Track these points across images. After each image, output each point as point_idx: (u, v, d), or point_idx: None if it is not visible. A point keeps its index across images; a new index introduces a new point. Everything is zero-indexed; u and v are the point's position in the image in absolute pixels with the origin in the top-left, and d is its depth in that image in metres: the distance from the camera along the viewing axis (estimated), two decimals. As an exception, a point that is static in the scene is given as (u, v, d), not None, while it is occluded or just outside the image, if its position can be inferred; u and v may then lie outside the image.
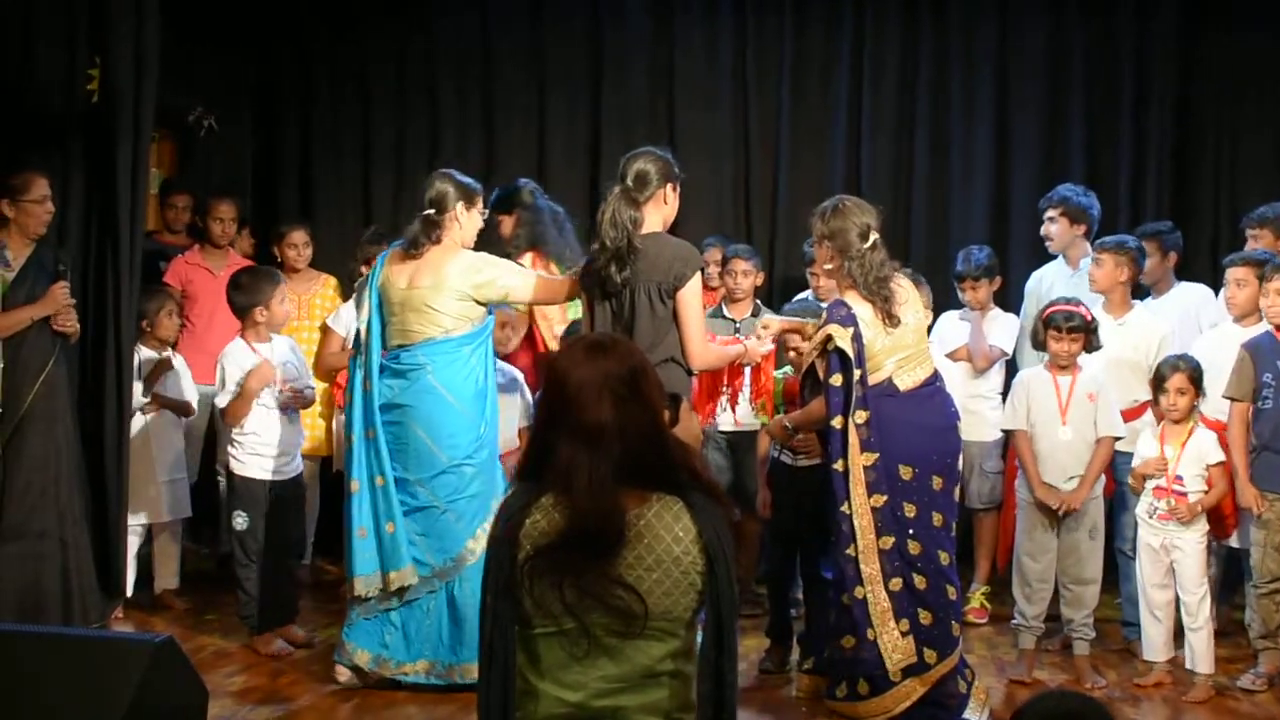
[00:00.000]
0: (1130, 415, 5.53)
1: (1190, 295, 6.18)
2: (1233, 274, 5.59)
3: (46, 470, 5.24)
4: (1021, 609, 5.30)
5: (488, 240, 5.51)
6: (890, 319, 4.65)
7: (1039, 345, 5.44)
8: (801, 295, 6.18)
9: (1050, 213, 6.31)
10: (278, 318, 5.64)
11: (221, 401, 5.53)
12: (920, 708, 4.62)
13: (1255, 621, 5.23)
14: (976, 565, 6.23)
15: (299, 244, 6.71)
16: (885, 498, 4.58)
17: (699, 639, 2.57)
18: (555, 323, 5.78)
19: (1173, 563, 5.16)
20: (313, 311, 6.66)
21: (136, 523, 5.97)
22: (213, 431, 6.54)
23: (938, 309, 6.06)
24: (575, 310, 5.70)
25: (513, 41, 7.65)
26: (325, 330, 6.49)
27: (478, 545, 4.89)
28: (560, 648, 2.51)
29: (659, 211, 4.82)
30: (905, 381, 4.68)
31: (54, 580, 5.24)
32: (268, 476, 5.51)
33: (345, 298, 6.53)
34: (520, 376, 5.72)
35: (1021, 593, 5.31)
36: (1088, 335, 5.29)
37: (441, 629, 4.97)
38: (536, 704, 2.52)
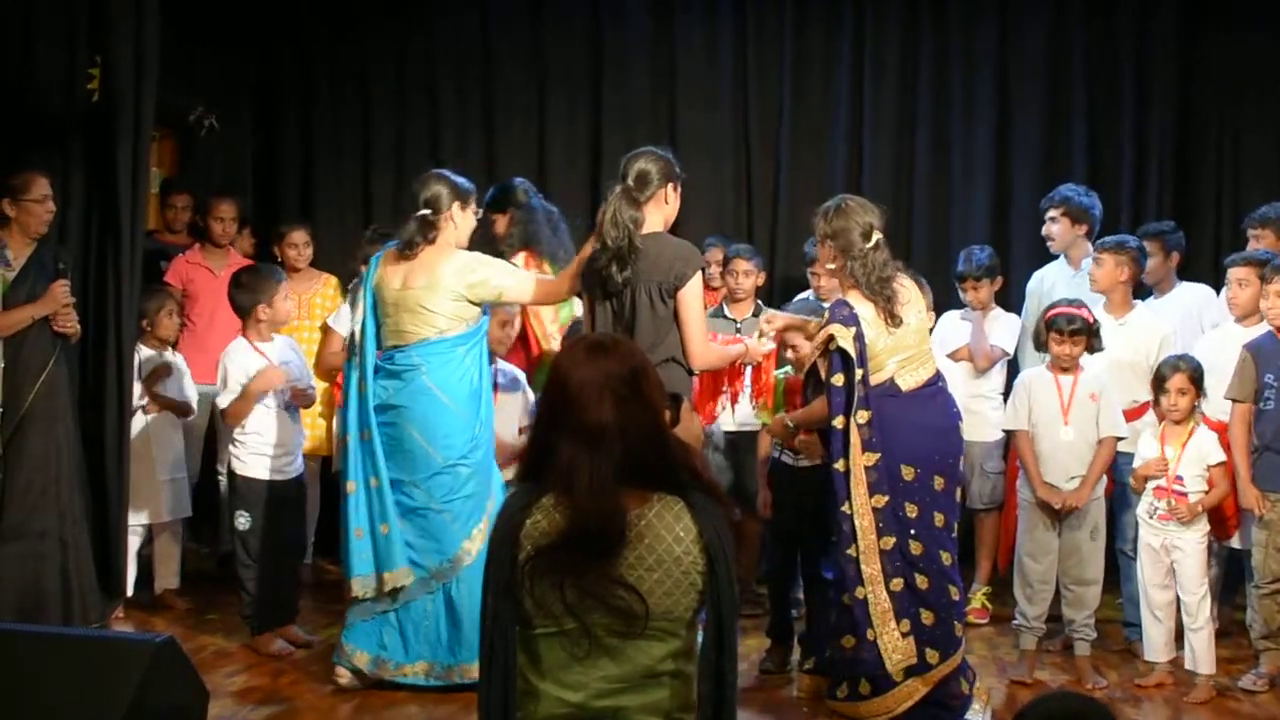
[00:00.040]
0: (1131, 415, 5.52)
1: (1192, 295, 6.18)
2: (1234, 274, 5.59)
3: (47, 470, 5.24)
4: (1023, 609, 5.30)
5: (481, 239, 5.51)
6: (893, 319, 4.64)
7: (1041, 347, 5.44)
8: (802, 295, 6.19)
9: (1052, 213, 6.31)
10: (280, 314, 5.64)
11: (223, 401, 5.52)
12: (922, 708, 4.61)
13: (1257, 622, 5.22)
14: (977, 566, 6.22)
15: (299, 244, 6.71)
16: (887, 498, 4.57)
17: (700, 639, 2.56)
18: (547, 321, 5.78)
19: (1173, 563, 5.16)
20: (313, 311, 6.66)
21: (137, 522, 5.97)
22: (213, 431, 6.53)
23: (939, 309, 6.04)
24: (566, 309, 5.71)
25: (513, 41, 7.65)
26: (326, 330, 6.49)
27: (474, 546, 4.90)
28: (561, 648, 2.50)
29: (660, 211, 4.81)
30: (908, 382, 4.68)
31: (54, 580, 5.24)
32: (270, 476, 5.51)
33: (346, 297, 6.52)
34: (522, 376, 5.72)
35: (1023, 593, 5.31)
36: (1090, 338, 5.29)
37: (439, 630, 4.97)
38: (537, 704, 2.52)
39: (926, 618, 4.60)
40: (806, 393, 5.08)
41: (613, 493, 2.47)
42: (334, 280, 6.82)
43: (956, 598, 4.69)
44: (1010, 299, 6.63)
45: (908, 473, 4.61)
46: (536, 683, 2.53)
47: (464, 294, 4.96)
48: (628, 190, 4.74)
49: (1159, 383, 5.25)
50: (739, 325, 6.09)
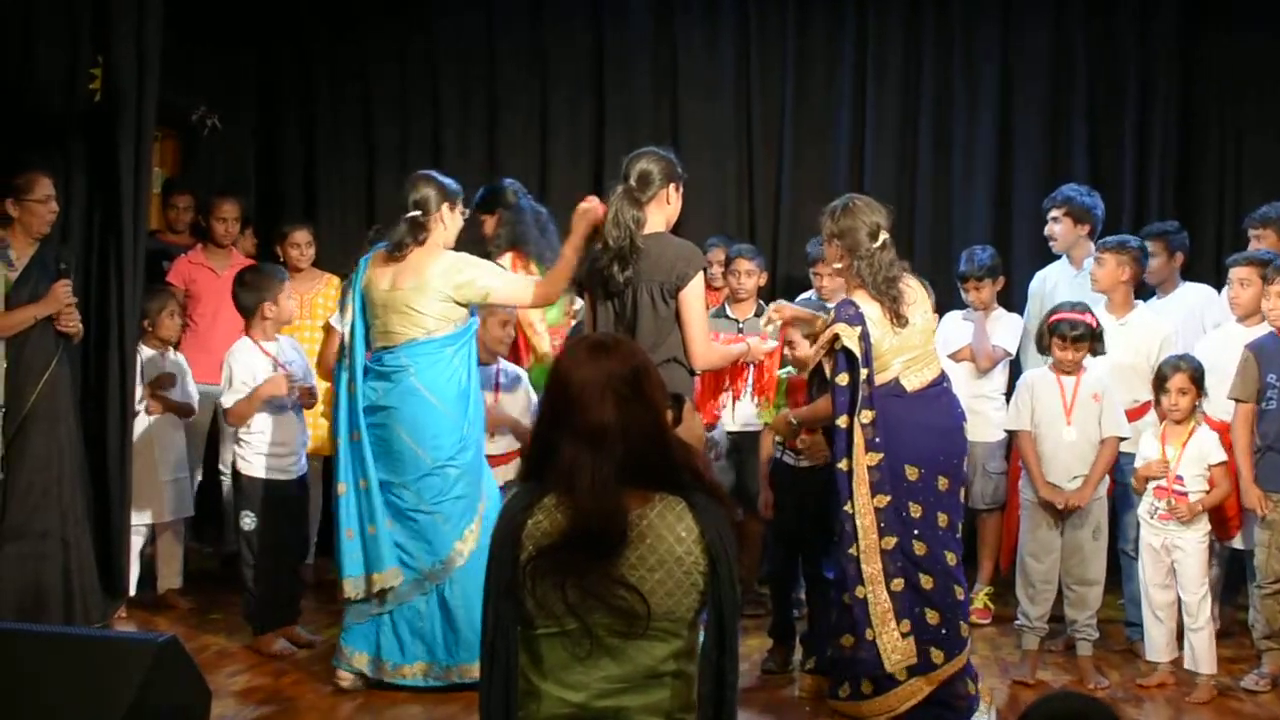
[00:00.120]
0: (1132, 415, 5.52)
1: (1194, 295, 6.17)
2: (1236, 274, 5.59)
3: (49, 470, 5.24)
4: (1025, 610, 5.30)
5: (470, 240, 5.51)
6: (898, 319, 4.64)
7: (1043, 350, 5.44)
8: (804, 295, 6.18)
9: (1054, 213, 6.31)
10: (285, 312, 5.65)
11: (227, 401, 5.51)
12: (926, 707, 4.60)
13: (1259, 622, 5.22)
14: (980, 566, 6.22)
15: (301, 243, 6.71)
16: (889, 498, 4.57)
17: (701, 639, 2.56)
18: (536, 321, 5.79)
19: (1174, 563, 5.16)
20: (315, 311, 6.65)
21: (139, 522, 5.98)
22: (215, 430, 6.53)
23: (941, 309, 6.02)
24: (553, 310, 5.71)
25: (515, 41, 7.65)
26: (328, 330, 6.45)
27: (466, 547, 4.90)
28: (563, 648, 2.50)
29: (662, 211, 4.81)
30: (912, 382, 4.67)
31: (56, 580, 5.25)
32: (275, 476, 5.51)
33: (346, 298, 6.53)
34: (524, 375, 5.72)
35: (1025, 593, 5.30)
36: (1093, 342, 5.29)
37: (435, 631, 4.96)
38: (539, 704, 2.52)
39: (932, 617, 4.59)
40: (811, 391, 5.08)
41: (614, 493, 2.47)
42: (336, 280, 6.79)
43: (961, 598, 4.69)
44: (1012, 299, 6.63)
45: (912, 473, 4.60)
46: (538, 683, 2.53)
47: (451, 295, 4.95)
48: (629, 190, 4.74)
49: (1160, 383, 5.25)
50: (741, 325, 6.09)
